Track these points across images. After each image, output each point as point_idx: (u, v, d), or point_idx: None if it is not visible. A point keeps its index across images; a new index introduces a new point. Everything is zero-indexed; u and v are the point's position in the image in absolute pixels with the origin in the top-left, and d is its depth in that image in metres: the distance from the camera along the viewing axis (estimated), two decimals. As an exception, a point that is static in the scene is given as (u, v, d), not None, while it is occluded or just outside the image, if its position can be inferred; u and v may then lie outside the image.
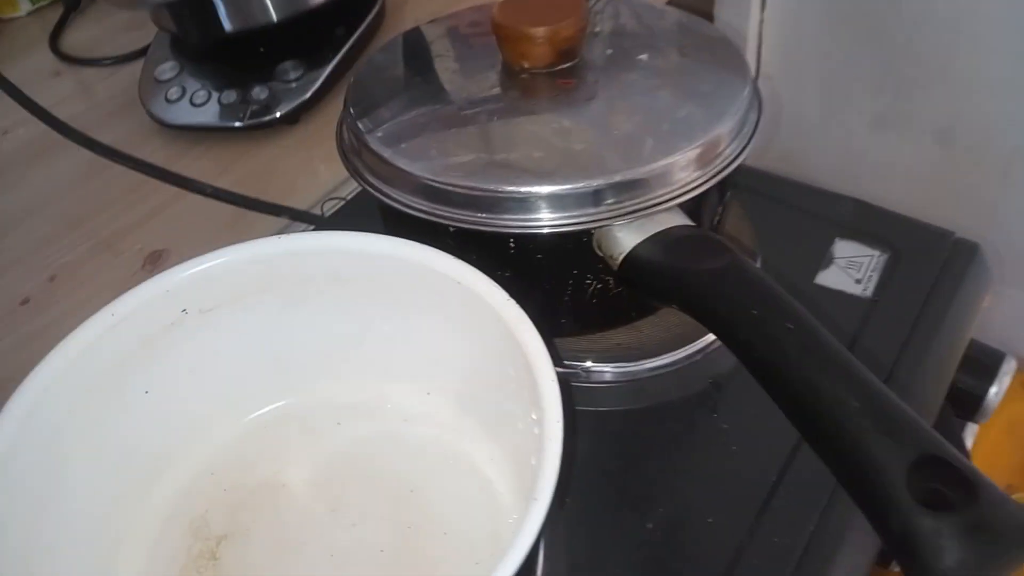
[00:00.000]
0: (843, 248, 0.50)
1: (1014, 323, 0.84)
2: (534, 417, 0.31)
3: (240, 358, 0.38)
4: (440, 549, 0.35)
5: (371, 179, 0.39)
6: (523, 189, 0.35)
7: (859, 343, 0.46)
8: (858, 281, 0.48)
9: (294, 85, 0.63)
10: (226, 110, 0.62)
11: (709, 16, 1.15)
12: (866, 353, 0.45)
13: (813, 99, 1.17)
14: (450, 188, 0.36)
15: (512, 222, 0.36)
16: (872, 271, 0.49)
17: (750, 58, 1.18)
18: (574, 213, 0.35)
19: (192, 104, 0.63)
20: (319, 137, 0.63)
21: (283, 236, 0.36)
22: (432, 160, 0.37)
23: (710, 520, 0.38)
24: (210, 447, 0.38)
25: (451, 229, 0.37)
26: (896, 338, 0.45)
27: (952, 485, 0.23)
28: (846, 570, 0.37)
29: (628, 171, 0.35)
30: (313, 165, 0.61)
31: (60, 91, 0.71)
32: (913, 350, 0.45)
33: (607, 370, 0.43)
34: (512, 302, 0.32)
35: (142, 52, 0.71)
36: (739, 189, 0.53)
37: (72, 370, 0.32)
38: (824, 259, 0.50)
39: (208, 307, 0.36)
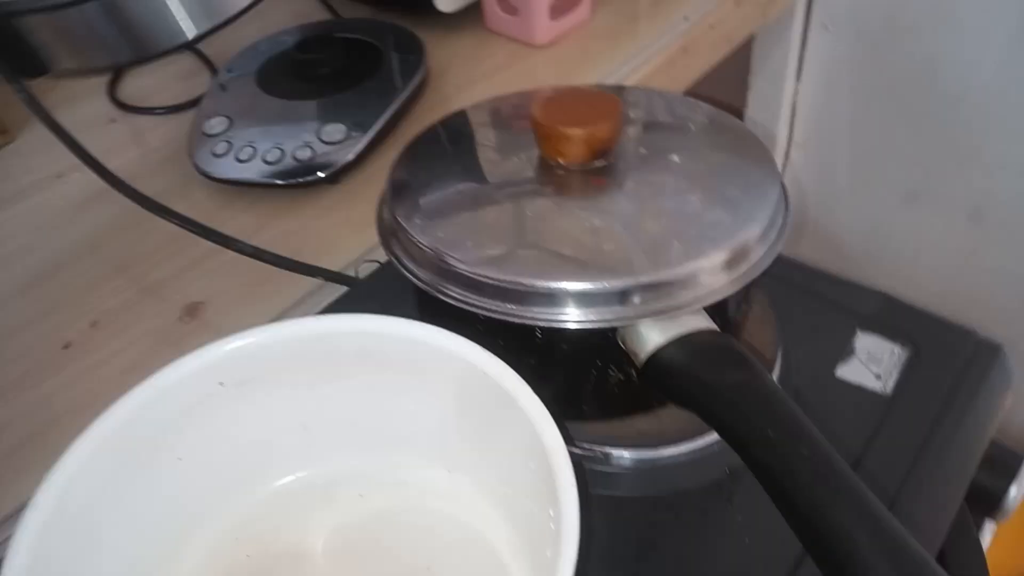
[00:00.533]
0: (864, 342, 0.51)
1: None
2: (551, 513, 0.32)
3: (270, 428, 0.39)
4: (452, 630, 0.36)
5: (407, 262, 0.41)
6: (552, 285, 0.37)
7: (876, 441, 0.46)
8: (878, 377, 0.49)
9: (338, 147, 0.65)
10: (269, 168, 0.65)
11: (744, 82, 1.17)
12: (883, 452, 0.45)
13: (844, 171, 1.18)
14: (482, 279, 0.38)
15: (540, 315, 0.37)
16: (893, 367, 0.49)
17: (783, 127, 1.20)
18: (600, 310, 0.37)
19: (237, 160, 0.65)
20: (359, 198, 0.65)
21: (318, 318, 0.38)
22: (467, 251, 0.38)
23: (719, 617, 0.39)
24: (236, 513, 0.39)
25: (480, 316, 0.38)
26: (915, 438, 0.46)
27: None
28: None
29: (654, 273, 0.37)
30: (351, 226, 0.63)
31: (114, 138, 0.74)
32: (932, 450, 0.45)
33: (626, 455, 0.44)
34: (539, 403, 0.33)
35: (194, 102, 0.75)
36: (764, 275, 0.54)
37: (110, 442, 0.34)
38: (845, 351, 0.51)
39: (243, 380, 0.38)
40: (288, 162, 0.65)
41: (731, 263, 0.38)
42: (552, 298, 0.37)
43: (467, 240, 0.39)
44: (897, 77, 1.05)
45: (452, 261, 0.38)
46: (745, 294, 0.43)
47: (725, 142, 0.45)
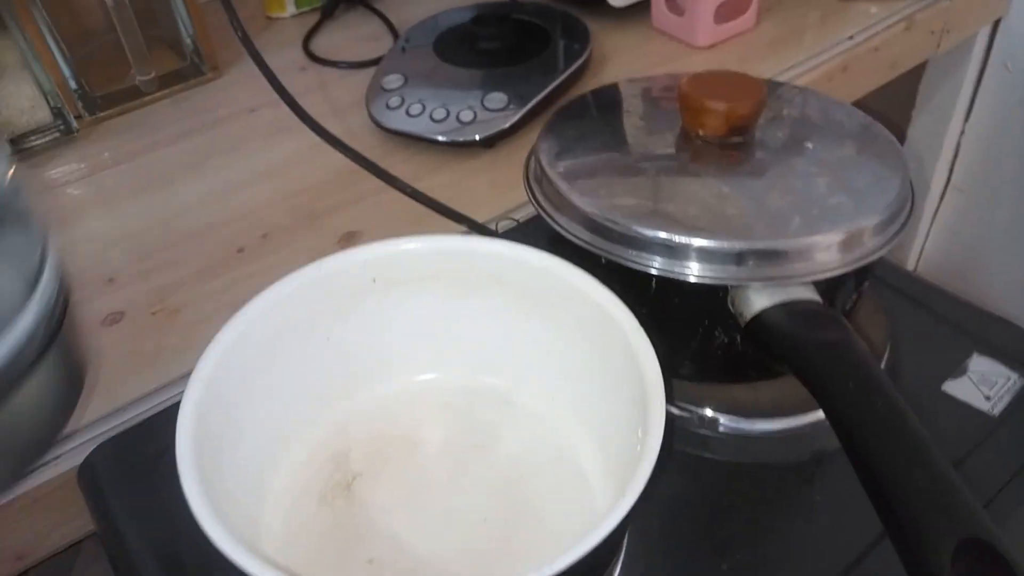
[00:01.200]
0: (979, 363, 0.51)
1: None
2: (639, 435, 0.35)
3: (407, 330, 0.45)
4: (533, 533, 0.40)
5: (544, 205, 0.45)
6: (675, 238, 0.40)
7: (972, 458, 0.46)
8: (988, 398, 0.49)
9: (497, 114, 0.71)
10: (434, 125, 0.71)
11: (907, 115, 1.15)
12: (977, 470, 0.46)
13: (1002, 220, 1.14)
14: (610, 225, 0.41)
15: (660, 265, 0.41)
16: (1005, 392, 0.49)
17: (942, 168, 1.16)
18: (716, 268, 0.40)
19: (407, 114, 0.72)
20: (507, 163, 0.70)
21: (466, 236, 0.43)
22: (600, 198, 0.42)
23: (783, 577, 0.41)
24: (367, 397, 0.44)
25: (603, 260, 0.42)
26: (1012, 463, 0.46)
27: (995, 570, 0.25)
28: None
29: (772, 241, 0.39)
30: (497, 187, 0.68)
31: (303, 83, 0.83)
32: (1025, 479, 0.45)
33: (720, 420, 0.46)
34: (643, 335, 0.37)
35: (375, 62, 0.82)
36: (883, 285, 0.55)
37: (278, 307, 0.40)
38: (957, 370, 0.51)
39: (393, 281, 0.43)
40: (452, 122, 0.71)
41: (845, 245, 0.40)
42: (673, 250, 0.40)
43: (601, 189, 0.43)
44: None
45: (584, 206, 0.42)
46: (857, 286, 0.45)
47: (864, 142, 0.46)
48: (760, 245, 0.39)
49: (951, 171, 1.17)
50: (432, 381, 0.45)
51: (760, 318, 0.39)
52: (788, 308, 0.38)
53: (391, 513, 0.41)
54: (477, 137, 0.70)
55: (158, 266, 0.62)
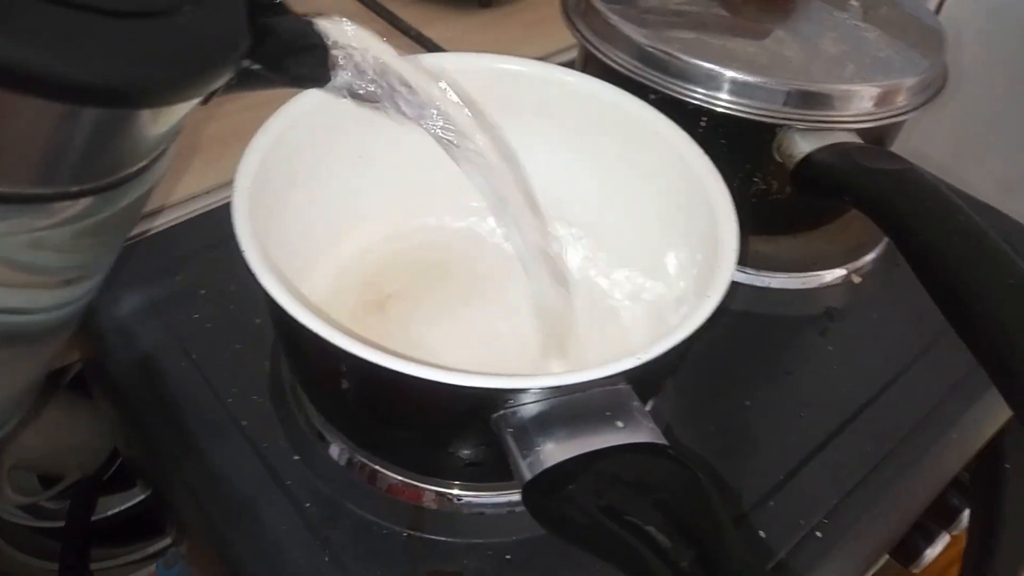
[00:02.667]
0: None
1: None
2: (699, 258, 0.35)
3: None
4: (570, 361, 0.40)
5: (589, 37, 0.44)
6: (731, 73, 0.40)
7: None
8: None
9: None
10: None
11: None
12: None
13: (943, 144, 1.19)
14: (663, 55, 0.41)
15: (713, 100, 0.40)
16: None
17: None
18: (767, 105, 0.40)
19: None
20: (509, 22, 0.68)
21: (508, 58, 0.41)
22: (651, 30, 0.42)
23: (802, 414, 0.42)
24: (405, 225, 0.43)
25: (651, 96, 0.42)
26: None
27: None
28: (921, 484, 0.41)
29: (824, 84, 0.40)
30: (502, 45, 0.66)
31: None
32: None
33: (739, 273, 0.47)
34: (705, 156, 0.37)
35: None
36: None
37: (321, 109, 0.37)
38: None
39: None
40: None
41: (883, 99, 0.41)
42: (728, 85, 0.40)
43: (651, 23, 0.42)
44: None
45: (633, 34, 0.41)
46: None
47: (907, 11, 0.47)
48: (812, 87, 0.40)
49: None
50: (472, 208, 0.44)
51: (810, 159, 0.39)
52: (838, 149, 0.39)
53: (425, 333, 0.40)
54: (474, -8, 0.67)
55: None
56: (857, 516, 0.38)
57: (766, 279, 0.47)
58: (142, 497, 0.69)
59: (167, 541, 0.71)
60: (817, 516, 0.38)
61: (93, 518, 0.67)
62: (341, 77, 0.29)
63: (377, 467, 0.36)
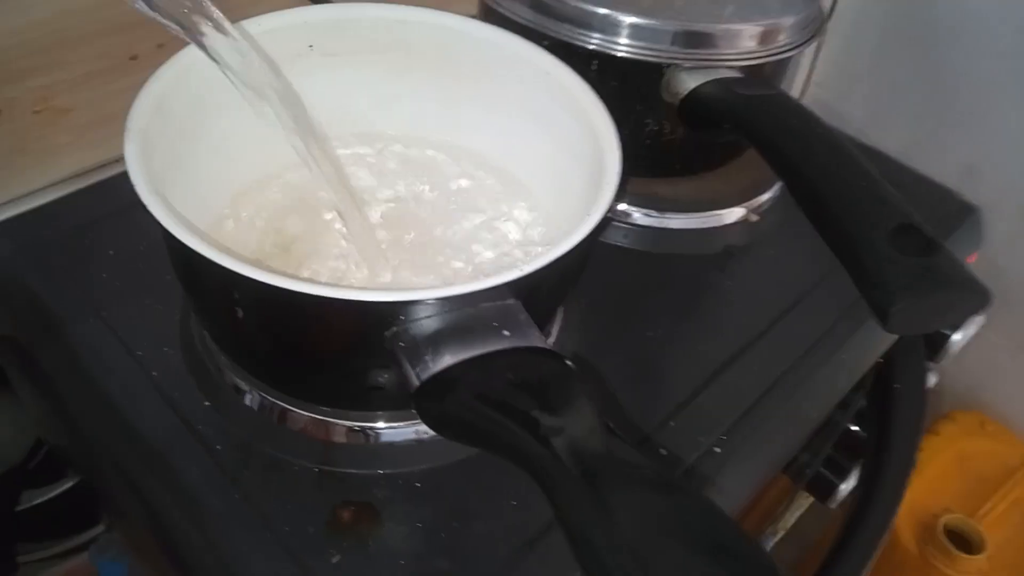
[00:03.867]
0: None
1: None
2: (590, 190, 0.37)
3: (345, 103, 0.44)
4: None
5: (485, -11, 0.45)
6: (619, 16, 0.41)
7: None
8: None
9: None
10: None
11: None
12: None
13: (856, 114, 1.23)
14: (553, 2, 0.42)
15: (599, 39, 0.42)
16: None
17: (805, 60, 1.24)
18: (653, 45, 0.42)
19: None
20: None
21: (411, 8, 0.42)
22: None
23: (702, 343, 0.44)
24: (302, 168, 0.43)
25: (545, 43, 0.43)
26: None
27: (921, 248, 0.29)
28: (814, 403, 0.43)
29: (707, 24, 0.42)
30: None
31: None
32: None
33: (640, 214, 0.49)
34: (591, 91, 0.38)
35: None
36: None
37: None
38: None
39: (330, 52, 0.42)
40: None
41: (765, 37, 0.43)
42: (617, 27, 0.42)
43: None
44: (921, 32, 1.10)
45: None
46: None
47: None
48: (697, 26, 0.42)
49: (813, 66, 1.25)
50: (366, 153, 0.45)
51: (695, 93, 0.41)
52: (720, 83, 0.41)
53: (333, 270, 0.40)
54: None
55: (38, 67, 0.57)
56: (752, 432, 0.40)
57: (667, 220, 0.49)
58: (71, 485, 0.68)
59: (100, 530, 0.70)
60: (716, 434, 0.40)
61: (18, 508, 0.66)
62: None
63: (286, 406, 0.37)
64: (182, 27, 0.33)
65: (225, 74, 0.34)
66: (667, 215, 0.49)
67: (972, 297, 0.29)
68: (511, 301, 0.31)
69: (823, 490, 0.62)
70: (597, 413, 0.24)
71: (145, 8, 0.32)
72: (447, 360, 0.28)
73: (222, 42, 0.34)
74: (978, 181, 1.12)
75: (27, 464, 0.71)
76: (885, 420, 0.49)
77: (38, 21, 0.60)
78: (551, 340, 0.42)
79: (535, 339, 0.29)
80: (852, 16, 1.16)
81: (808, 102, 1.28)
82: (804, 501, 0.86)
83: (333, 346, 0.31)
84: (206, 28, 0.34)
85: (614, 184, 0.33)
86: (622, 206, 0.49)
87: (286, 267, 0.40)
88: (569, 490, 0.21)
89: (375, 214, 0.43)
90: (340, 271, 0.40)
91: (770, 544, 0.81)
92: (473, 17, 0.44)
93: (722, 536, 0.20)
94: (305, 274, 0.39)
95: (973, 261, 0.57)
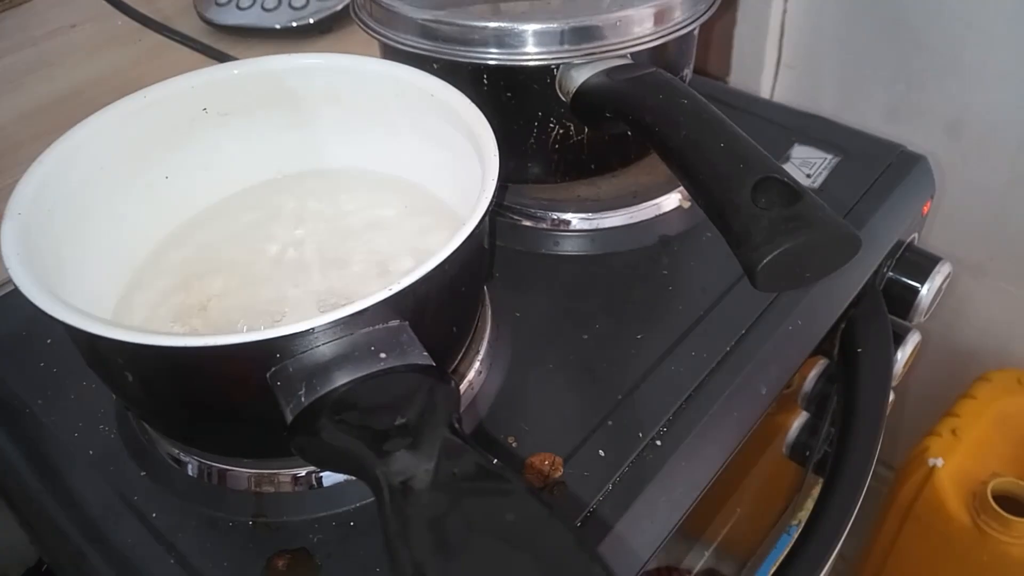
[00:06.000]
0: (800, 151, 0.56)
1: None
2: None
3: (247, 163, 0.44)
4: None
5: (372, 24, 0.46)
6: (499, 24, 0.42)
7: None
8: (808, 176, 0.53)
9: (330, -3, 0.70)
10: (267, 14, 0.70)
11: (733, 4, 1.21)
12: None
13: (830, 90, 1.22)
14: (436, 25, 0.43)
15: (489, 55, 0.42)
16: (823, 170, 0.54)
17: (772, 47, 1.23)
18: (533, 49, 0.42)
19: (238, 8, 0.71)
20: (348, 47, 0.70)
21: (294, 55, 0.43)
22: (423, 6, 0.43)
23: (639, 336, 0.43)
24: (213, 226, 0.44)
25: (434, 66, 0.43)
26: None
27: (785, 199, 0.28)
28: (763, 378, 0.42)
29: (588, 18, 0.41)
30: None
31: (125, -2, 0.79)
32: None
33: (570, 218, 0.49)
34: (470, 102, 0.38)
35: (200, -29, 0.80)
36: (714, 101, 0.59)
37: (102, 136, 0.39)
38: (781, 158, 0.55)
39: (225, 111, 0.43)
40: (285, 10, 0.70)
41: (657, 18, 0.43)
42: (501, 38, 0.42)
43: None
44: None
45: (407, 12, 0.43)
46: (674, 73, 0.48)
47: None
48: (577, 22, 0.41)
49: (780, 50, 1.24)
50: (282, 202, 0.45)
51: (583, 88, 0.41)
52: (606, 73, 0.40)
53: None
54: (312, 20, 0.69)
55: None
56: (697, 419, 0.39)
57: (595, 221, 0.48)
58: None
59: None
60: (656, 426, 0.39)
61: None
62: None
63: (215, 464, 0.37)
64: None
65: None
66: (599, 215, 0.49)
67: (840, 241, 0.28)
68: (394, 323, 0.30)
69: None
70: (445, 419, 0.24)
71: None
72: (317, 392, 0.27)
73: None
74: (966, 135, 1.09)
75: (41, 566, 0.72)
76: (852, 386, 0.47)
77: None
78: (479, 356, 0.41)
79: (414, 357, 0.29)
80: (808, -7, 1.15)
81: (782, 85, 1.27)
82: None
83: (224, 396, 0.31)
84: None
85: (490, 189, 0.33)
86: (551, 214, 0.49)
87: (206, 326, 0.40)
88: (385, 501, 0.21)
89: (284, 255, 0.43)
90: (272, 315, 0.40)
91: (794, 536, 0.78)
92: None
93: (548, 543, 0.20)
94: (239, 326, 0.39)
95: (927, 210, 0.56)
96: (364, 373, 0.28)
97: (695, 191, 0.32)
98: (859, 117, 1.22)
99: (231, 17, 0.71)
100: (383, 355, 0.29)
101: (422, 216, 0.43)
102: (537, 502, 0.21)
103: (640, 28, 0.42)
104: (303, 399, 0.27)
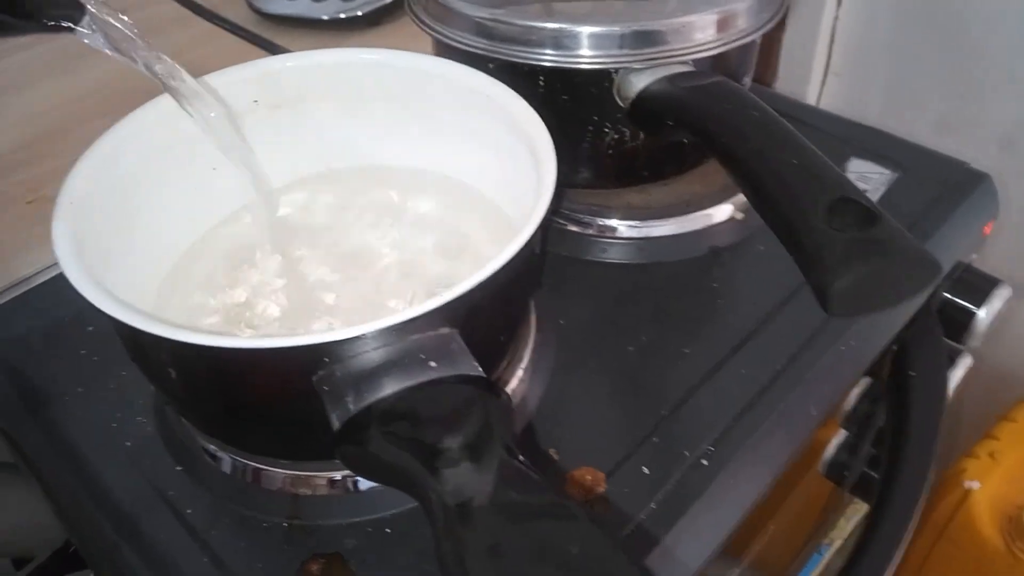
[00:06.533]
0: (857, 165, 0.54)
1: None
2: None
3: (295, 156, 0.44)
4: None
5: (427, 20, 0.45)
6: (561, 26, 0.40)
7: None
8: (866, 192, 0.51)
9: (379, -10, 0.69)
10: (316, 4, 0.69)
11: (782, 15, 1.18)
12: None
13: (879, 100, 1.19)
14: (492, 23, 0.42)
15: (546, 57, 0.41)
16: (881, 185, 0.52)
17: (821, 54, 1.21)
18: (592, 52, 0.40)
19: (287, -2, 0.70)
20: (396, 40, 0.69)
21: (348, 49, 0.42)
22: (480, 3, 0.42)
23: (686, 351, 0.42)
24: (258, 224, 0.43)
25: (490, 65, 0.42)
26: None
27: (861, 221, 0.27)
28: (814, 399, 0.40)
29: (649, 22, 0.40)
30: (414, 46, 0.67)
31: (174, -16, 0.79)
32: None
33: (619, 226, 0.47)
34: (528, 106, 0.37)
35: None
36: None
37: (149, 128, 0.38)
38: (837, 172, 0.53)
39: (276, 104, 0.42)
40: (334, 1, 0.69)
41: (720, 26, 0.41)
42: (559, 40, 0.41)
43: (483, -2, 0.43)
44: (937, 3, 1.05)
45: (467, 11, 0.42)
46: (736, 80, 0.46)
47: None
48: (639, 26, 0.40)
49: (829, 57, 1.21)
50: (329, 196, 0.44)
51: (643, 93, 0.39)
52: (668, 80, 0.39)
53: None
54: (360, 12, 0.69)
55: (26, 160, 0.59)
56: (744, 439, 0.38)
57: (643, 229, 0.47)
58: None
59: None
60: (702, 445, 0.38)
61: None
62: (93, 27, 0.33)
63: (251, 463, 0.37)
64: (149, 71, 0.34)
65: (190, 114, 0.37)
66: (647, 223, 0.47)
67: (918, 267, 0.27)
68: (445, 331, 0.30)
69: (871, 491, 0.58)
70: (501, 439, 0.23)
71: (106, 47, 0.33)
72: (366, 400, 0.27)
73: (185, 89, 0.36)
74: (1021, 150, 1.06)
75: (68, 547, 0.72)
76: (902, 411, 0.45)
77: (20, 119, 0.63)
78: (523, 363, 0.40)
79: (464, 367, 0.28)
80: (863, 2, 1.13)
81: (828, 93, 1.24)
82: (860, 506, 0.81)
83: (268, 398, 0.31)
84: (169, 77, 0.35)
85: (547, 198, 0.32)
86: (599, 220, 0.48)
87: (250, 319, 0.39)
88: (440, 522, 0.20)
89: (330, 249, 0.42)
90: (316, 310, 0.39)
91: (826, 555, 0.77)
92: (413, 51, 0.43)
93: (602, 564, 0.19)
94: (274, 325, 0.39)
95: (989, 231, 0.54)
96: (414, 382, 0.27)
97: (763, 207, 0.31)
98: (907, 127, 1.19)
99: (280, 6, 0.70)
100: (433, 363, 0.28)
101: (469, 213, 0.43)
102: (603, 535, 0.20)
103: (703, 35, 0.41)
104: (350, 406, 0.27)
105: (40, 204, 0.56)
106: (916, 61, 1.13)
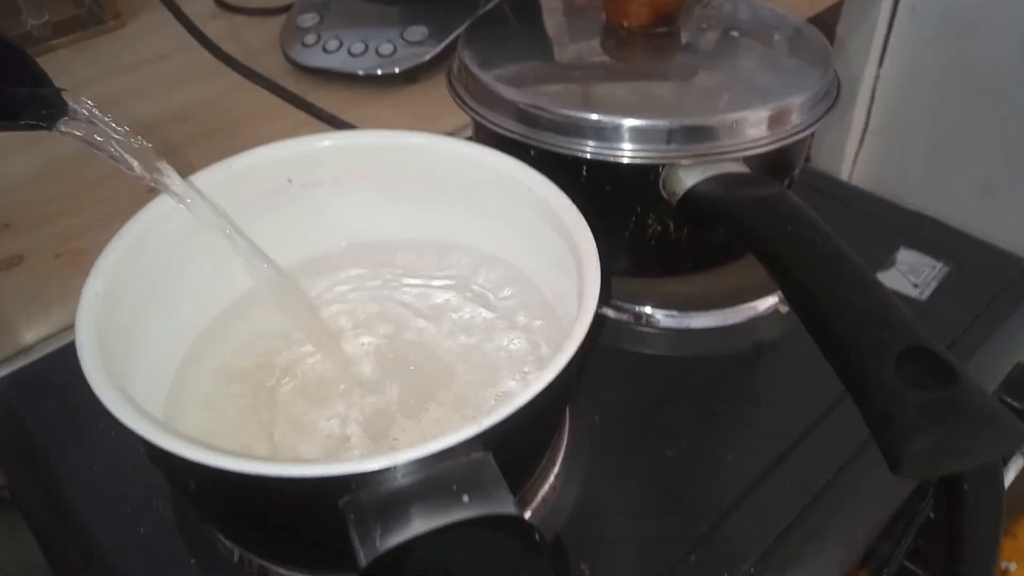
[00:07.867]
0: (906, 256, 0.52)
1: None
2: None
3: (330, 236, 0.42)
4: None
5: (467, 99, 0.43)
6: (604, 119, 0.39)
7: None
8: (915, 286, 0.50)
9: (418, 47, 0.69)
10: (353, 59, 0.69)
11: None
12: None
13: (920, 161, 1.17)
14: (535, 111, 0.40)
15: (589, 148, 0.39)
16: (932, 279, 0.50)
17: (860, 113, 1.19)
18: (647, 147, 0.39)
19: (324, 50, 0.70)
20: (430, 97, 0.68)
21: (389, 132, 0.41)
22: (526, 89, 0.41)
23: (728, 458, 0.40)
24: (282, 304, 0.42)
25: (532, 152, 0.41)
26: (944, 339, 0.46)
27: (936, 374, 0.25)
28: (862, 518, 0.38)
29: (700, 117, 0.39)
30: (419, 119, 0.66)
31: (213, 31, 0.79)
32: (956, 354, 0.46)
33: (659, 316, 0.46)
34: (573, 207, 0.36)
35: (286, 8, 0.79)
36: (814, 191, 0.56)
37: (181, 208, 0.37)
38: (885, 263, 0.51)
39: (309, 183, 0.41)
40: (371, 56, 0.69)
41: (774, 121, 0.40)
42: (603, 132, 0.39)
43: (527, 82, 0.42)
44: (983, 65, 1.04)
45: (508, 95, 0.41)
46: (786, 171, 0.45)
47: (790, 34, 0.46)
48: (689, 121, 0.39)
49: (868, 116, 1.19)
50: (362, 281, 0.43)
51: (692, 192, 0.38)
52: (719, 180, 0.38)
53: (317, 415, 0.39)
54: (397, 70, 0.68)
55: (57, 212, 0.58)
56: (786, 562, 0.36)
57: (685, 320, 0.45)
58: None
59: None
60: (744, 565, 0.36)
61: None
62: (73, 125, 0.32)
63: (270, 566, 0.35)
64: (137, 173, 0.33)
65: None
66: (688, 314, 0.46)
67: (1000, 436, 0.25)
68: (478, 455, 0.28)
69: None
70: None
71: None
72: (394, 539, 0.25)
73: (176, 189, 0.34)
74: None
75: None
76: (957, 521, 0.43)
77: (53, 170, 0.62)
78: (555, 469, 0.38)
79: (498, 502, 0.26)
80: (906, 62, 1.11)
81: (867, 153, 1.22)
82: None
83: (290, 518, 0.29)
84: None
85: (590, 311, 0.31)
86: (639, 308, 0.46)
87: (270, 412, 0.38)
88: None
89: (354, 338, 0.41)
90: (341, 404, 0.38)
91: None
92: (454, 135, 0.42)
93: None
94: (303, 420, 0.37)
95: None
96: (445, 522, 0.25)
97: (825, 345, 0.29)
98: (948, 191, 1.17)
99: (316, 59, 0.70)
100: (465, 497, 0.26)
101: (502, 289, 0.41)
102: None
103: (756, 131, 0.39)
104: (378, 544, 0.25)
105: (68, 257, 0.55)
106: (958, 123, 1.11)
